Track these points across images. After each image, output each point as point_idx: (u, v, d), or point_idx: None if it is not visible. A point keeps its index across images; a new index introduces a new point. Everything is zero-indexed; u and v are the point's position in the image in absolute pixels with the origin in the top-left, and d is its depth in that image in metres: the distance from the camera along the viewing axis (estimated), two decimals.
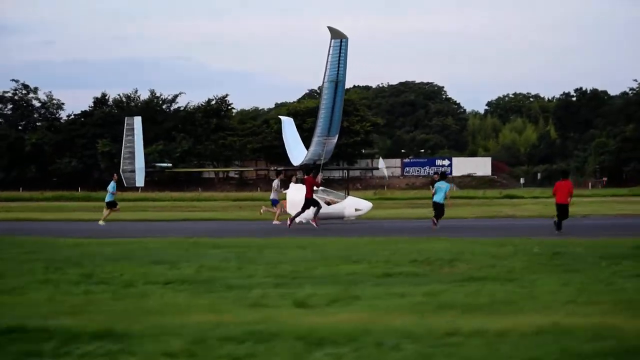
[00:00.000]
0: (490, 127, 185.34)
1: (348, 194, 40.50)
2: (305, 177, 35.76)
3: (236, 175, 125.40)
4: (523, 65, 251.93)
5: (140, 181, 40.27)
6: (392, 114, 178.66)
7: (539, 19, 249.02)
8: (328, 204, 36.85)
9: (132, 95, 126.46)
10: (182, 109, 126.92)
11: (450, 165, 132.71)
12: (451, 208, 35.82)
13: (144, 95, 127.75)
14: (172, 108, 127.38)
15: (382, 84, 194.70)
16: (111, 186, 38.78)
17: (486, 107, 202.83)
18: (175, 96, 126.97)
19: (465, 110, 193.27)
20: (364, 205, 38.32)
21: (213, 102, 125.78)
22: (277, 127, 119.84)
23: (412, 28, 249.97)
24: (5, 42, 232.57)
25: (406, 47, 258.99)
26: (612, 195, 72.10)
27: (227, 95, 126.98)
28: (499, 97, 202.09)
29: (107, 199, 38.78)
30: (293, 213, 35.40)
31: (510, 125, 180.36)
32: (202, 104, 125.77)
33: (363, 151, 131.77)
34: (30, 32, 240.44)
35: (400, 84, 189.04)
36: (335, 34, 31.47)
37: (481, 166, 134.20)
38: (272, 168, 59.69)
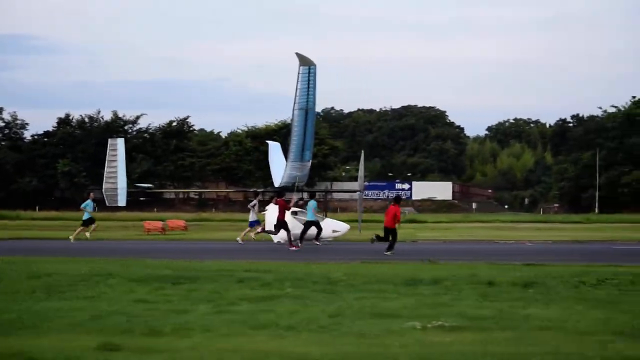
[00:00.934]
0: (489, 151, 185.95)
1: (326, 216, 41.23)
2: (277, 199, 36.19)
3: (196, 196, 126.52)
4: (526, 90, 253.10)
5: (122, 201, 41.16)
6: (393, 137, 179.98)
7: (541, 43, 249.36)
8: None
9: (95, 116, 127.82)
10: (143, 129, 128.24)
11: (410, 189, 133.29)
12: None
13: (107, 115, 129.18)
14: (133, 129, 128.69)
15: (385, 107, 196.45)
16: (87, 204, 40.39)
17: (486, 132, 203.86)
18: (138, 117, 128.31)
19: (466, 135, 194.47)
20: (342, 227, 39.07)
21: (174, 123, 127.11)
22: (236, 149, 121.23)
23: (419, 53, 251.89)
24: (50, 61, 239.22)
25: (412, 71, 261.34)
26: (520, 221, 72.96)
27: (188, 116, 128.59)
28: (499, 122, 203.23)
29: (85, 217, 40.25)
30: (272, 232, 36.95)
31: (508, 150, 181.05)
32: (162, 125, 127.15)
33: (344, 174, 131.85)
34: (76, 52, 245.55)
35: (403, 107, 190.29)
36: (304, 60, 32.04)
37: (442, 190, 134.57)
38: (252, 189, 60.93)
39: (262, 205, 41.46)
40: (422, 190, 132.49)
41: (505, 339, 11.18)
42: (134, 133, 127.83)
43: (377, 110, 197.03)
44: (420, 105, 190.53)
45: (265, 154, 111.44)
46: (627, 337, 11.44)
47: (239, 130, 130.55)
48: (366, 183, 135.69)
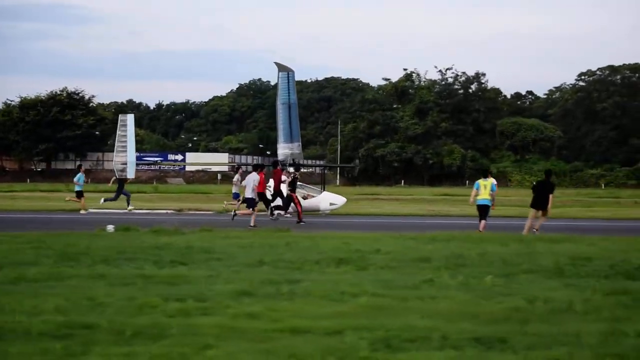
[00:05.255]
0: None
1: (324, 190, 42.63)
2: (274, 170, 36.12)
3: None
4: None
5: (131, 173, 42.70)
6: (308, 109, 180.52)
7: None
8: (305, 198, 38.41)
9: None
10: None
11: (183, 159, 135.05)
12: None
13: None
14: None
15: (311, 78, 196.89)
16: (78, 177, 40.27)
17: None
18: None
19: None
20: (339, 200, 40.12)
21: None
22: (3, 119, 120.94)
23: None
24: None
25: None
26: None
27: None
28: None
29: (77, 189, 40.24)
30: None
31: None
32: None
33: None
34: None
35: (325, 79, 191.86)
36: (282, 68, 39.25)
37: (218, 161, 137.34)
38: (235, 164, 62.14)
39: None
40: (197, 161, 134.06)
41: None
42: None
43: (306, 81, 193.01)
44: (344, 77, 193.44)
45: (33, 123, 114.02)
46: None
47: (8, 101, 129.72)
48: (138, 154, 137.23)
